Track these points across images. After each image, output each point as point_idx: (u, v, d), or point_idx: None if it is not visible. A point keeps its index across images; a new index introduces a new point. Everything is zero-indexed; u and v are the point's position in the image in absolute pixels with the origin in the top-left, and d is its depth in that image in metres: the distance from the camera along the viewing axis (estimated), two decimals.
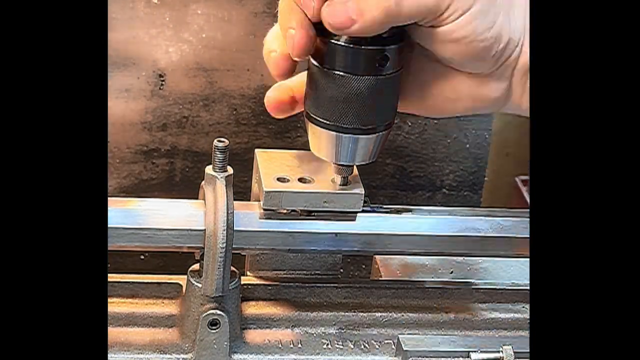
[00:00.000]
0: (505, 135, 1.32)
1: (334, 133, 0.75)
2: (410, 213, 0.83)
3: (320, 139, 0.76)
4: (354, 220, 0.81)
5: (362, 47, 0.72)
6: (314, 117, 0.76)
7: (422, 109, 0.79)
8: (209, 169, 0.78)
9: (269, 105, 0.79)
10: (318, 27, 0.72)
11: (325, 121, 0.75)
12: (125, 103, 0.90)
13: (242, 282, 0.82)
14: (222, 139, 0.78)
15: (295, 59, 0.74)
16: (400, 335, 0.83)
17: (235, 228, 0.77)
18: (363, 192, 0.80)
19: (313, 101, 0.75)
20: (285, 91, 0.78)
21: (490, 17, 0.71)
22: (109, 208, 0.73)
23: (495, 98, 0.76)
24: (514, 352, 0.80)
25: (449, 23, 0.71)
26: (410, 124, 1.07)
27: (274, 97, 0.78)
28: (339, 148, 0.76)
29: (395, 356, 0.83)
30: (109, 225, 0.74)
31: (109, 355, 0.79)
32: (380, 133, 0.76)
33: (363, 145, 0.76)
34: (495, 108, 0.79)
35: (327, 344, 0.83)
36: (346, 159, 0.77)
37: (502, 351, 0.80)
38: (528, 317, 0.84)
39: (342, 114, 0.74)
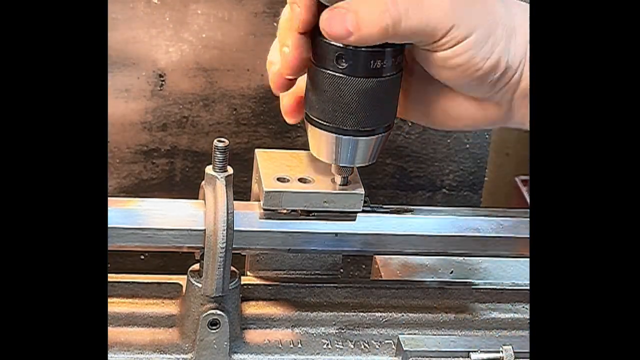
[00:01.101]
0: (505, 135, 1.32)
1: (334, 135, 0.75)
2: (410, 213, 0.83)
3: (320, 140, 0.76)
4: (354, 220, 0.81)
5: (362, 49, 0.72)
6: (314, 118, 0.76)
7: (426, 122, 0.80)
8: (209, 169, 0.78)
9: (285, 112, 0.79)
10: (318, 27, 0.72)
11: (325, 123, 0.75)
12: (125, 103, 0.90)
13: (242, 282, 0.82)
14: (222, 139, 0.78)
15: (288, 77, 0.75)
16: (400, 335, 0.83)
17: (235, 228, 0.77)
18: (363, 192, 0.80)
19: (313, 103, 0.75)
20: (297, 95, 0.79)
21: (489, 47, 0.72)
22: (109, 208, 0.73)
23: (495, 119, 0.77)
24: (514, 352, 0.80)
25: (445, 50, 0.71)
26: (410, 124, 1.07)
27: (287, 103, 0.79)
28: (339, 150, 0.76)
29: (395, 356, 0.83)
30: (109, 225, 0.74)
31: (108, 355, 0.79)
32: (380, 135, 0.76)
33: (363, 147, 0.76)
34: (497, 126, 0.79)
35: (327, 344, 0.83)
36: (346, 160, 0.77)
37: (502, 351, 0.80)
38: (528, 317, 0.84)
39: (342, 116, 0.74)
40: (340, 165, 0.78)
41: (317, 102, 0.75)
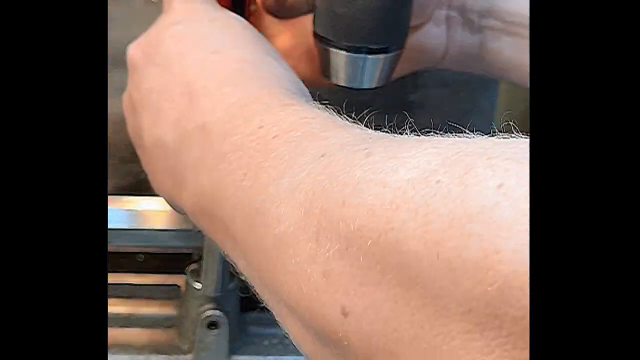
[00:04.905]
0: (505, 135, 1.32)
1: (343, 52, 0.71)
2: None
3: (331, 60, 0.72)
4: None
5: None
6: (324, 37, 0.71)
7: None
8: None
9: None
10: None
11: (335, 41, 0.70)
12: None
13: (242, 283, 0.82)
14: None
15: None
16: None
17: None
18: None
19: (321, 20, 0.71)
20: None
21: None
22: (108, 208, 0.73)
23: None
24: None
25: None
26: (410, 124, 1.06)
27: None
28: (348, 69, 0.72)
29: None
30: (109, 226, 0.74)
31: (108, 355, 0.79)
32: (391, 54, 0.72)
33: (372, 65, 0.72)
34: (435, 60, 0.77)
35: None
36: (359, 81, 0.72)
37: None
38: None
39: (354, 32, 0.70)
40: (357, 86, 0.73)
41: (327, 19, 0.70)
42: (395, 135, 0.53)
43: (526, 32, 0.77)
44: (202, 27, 0.64)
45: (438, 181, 0.44)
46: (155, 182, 0.64)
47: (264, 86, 0.59)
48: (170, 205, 0.64)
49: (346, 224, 0.44)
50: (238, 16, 0.67)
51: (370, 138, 0.52)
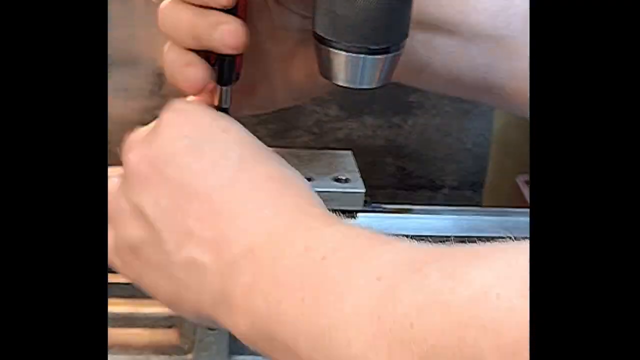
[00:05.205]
0: (506, 135, 1.32)
1: (343, 53, 0.70)
2: (411, 213, 0.83)
3: (331, 60, 0.71)
4: (354, 219, 0.81)
5: None
6: (324, 37, 0.70)
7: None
8: None
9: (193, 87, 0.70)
10: None
11: (335, 41, 0.70)
12: (124, 102, 0.89)
13: None
14: None
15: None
16: None
17: None
18: (364, 191, 0.80)
19: (321, 20, 0.70)
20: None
21: None
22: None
23: None
24: None
25: None
26: (410, 123, 1.06)
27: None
28: (349, 69, 0.71)
29: None
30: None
31: (108, 355, 0.79)
32: (391, 54, 0.71)
33: (372, 66, 0.71)
34: None
35: None
36: (359, 81, 0.71)
37: None
38: None
39: (354, 32, 0.69)
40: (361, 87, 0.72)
41: (326, 20, 0.69)
42: (438, 246, 0.56)
43: (461, 41, 0.77)
44: (218, 142, 0.64)
45: (498, 295, 0.48)
46: (179, 298, 0.64)
47: (299, 205, 0.61)
48: (192, 318, 0.66)
49: (418, 344, 0.48)
50: (236, 122, 0.66)
51: (418, 254, 0.55)
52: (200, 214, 0.61)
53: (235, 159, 0.63)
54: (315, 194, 0.65)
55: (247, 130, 0.66)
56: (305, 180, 0.66)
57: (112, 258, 0.68)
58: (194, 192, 0.62)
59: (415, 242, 0.57)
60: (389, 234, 0.83)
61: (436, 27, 0.76)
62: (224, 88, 0.72)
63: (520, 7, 0.75)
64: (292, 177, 0.64)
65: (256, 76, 0.75)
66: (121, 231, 0.65)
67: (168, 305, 0.66)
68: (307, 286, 0.55)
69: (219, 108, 0.72)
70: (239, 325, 0.60)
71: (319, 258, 0.56)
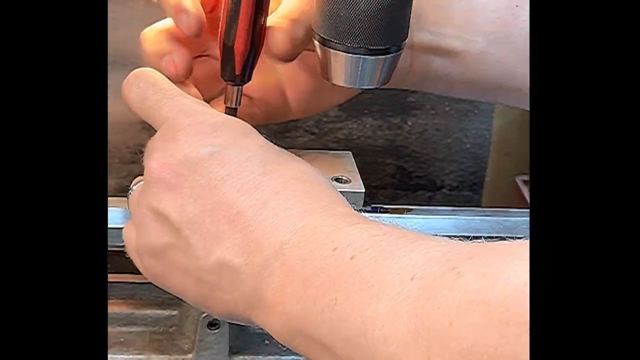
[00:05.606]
0: (506, 135, 1.32)
1: (343, 54, 0.71)
2: (411, 213, 0.83)
3: (333, 61, 0.72)
4: None
5: None
6: (325, 38, 0.71)
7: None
8: None
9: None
10: None
11: (336, 42, 0.70)
12: (124, 103, 0.89)
13: None
14: None
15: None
16: None
17: None
18: (363, 191, 0.80)
19: (322, 22, 0.71)
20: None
21: None
22: (109, 208, 0.73)
23: None
24: None
25: None
26: (410, 124, 1.07)
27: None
28: (349, 70, 0.72)
29: None
30: (109, 225, 0.74)
31: (108, 355, 0.79)
32: (391, 55, 0.72)
33: (372, 66, 0.72)
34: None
35: None
36: (360, 81, 0.72)
37: None
38: None
39: (355, 33, 0.70)
40: (363, 87, 0.73)
41: (328, 20, 0.70)
42: (466, 242, 0.57)
43: (456, 43, 0.78)
44: (240, 147, 0.65)
45: None
46: (210, 300, 0.65)
47: (325, 204, 0.62)
48: (224, 318, 0.69)
49: (458, 342, 0.49)
50: (253, 127, 0.68)
51: (449, 252, 0.55)
52: (229, 217, 0.62)
53: (258, 163, 0.64)
54: (339, 193, 0.66)
55: (263, 137, 0.68)
56: (329, 179, 0.67)
57: (134, 258, 0.69)
58: (221, 197, 0.63)
59: (443, 238, 0.58)
60: None
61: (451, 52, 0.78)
62: (235, 88, 0.73)
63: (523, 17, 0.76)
64: (315, 177, 0.65)
65: (268, 88, 0.77)
66: (144, 237, 0.66)
67: (197, 305, 0.66)
68: (338, 286, 0.56)
69: (228, 107, 0.73)
70: (274, 324, 0.61)
71: (347, 257, 0.57)
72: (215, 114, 0.68)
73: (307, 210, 0.61)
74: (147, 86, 0.69)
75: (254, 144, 0.66)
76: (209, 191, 0.63)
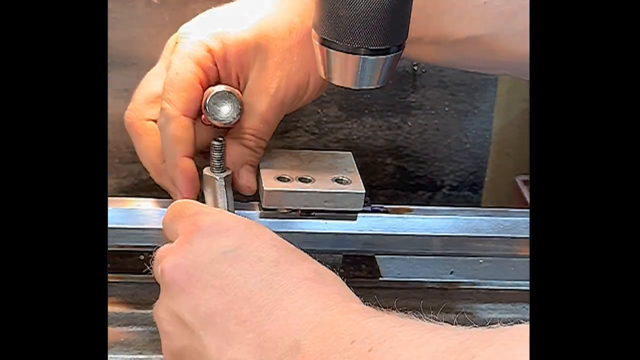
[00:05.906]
0: (505, 135, 1.32)
1: (343, 54, 0.70)
2: (411, 213, 0.83)
3: (333, 61, 0.72)
4: (354, 220, 0.81)
5: None
6: (325, 38, 0.71)
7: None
8: (206, 171, 0.78)
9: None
10: None
11: (336, 42, 0.70)
12: (124, 103, 0.89)
13: None
14: (219, 137, 0.77)
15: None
16: None
17: None
18: (364, 192, 0.80)
19: (322, 22, 0.70)
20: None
21: None
22: (109, 208, 0.73)
23: None
24: None
25: None
26: (410, 124, 1.06)
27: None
28: (349, 69, 0.71)
29: None
30: (109, 226, 0.74)
31: (108, 355, 0.79)
32: (391, 55, 0.72)
33: (372, 66, 0.71)
34: None
35: None
36: (360, 82, 0.72)
37: None
38: (528, 317, 0.84)
39: (355, 33, 0.70)
40: (362, 87, 0.73)
41: (329, 21, 0.70)
42: (483, 330, 0.57)
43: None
44: (253, 248, 0.66)
45: None
46: None
47: (338, 303, 0.62)
48: None
49: None
50: (266, 227, 0.70)
51: (467, 340, 0.55)
52: (240, 317, 0.63)
53: (270, 263, 0.65)
54: (352, 292, 0.66)
55: (276, 235, 0.69)
56: (338, 276, 0.67)
57: None
58: (232, 296, 0.63)
59: (461, 328, 0.58)
60: (389, 234, 0.84)
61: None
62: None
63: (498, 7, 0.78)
64: (326, 274, 0.66)
65: (307, 72, 0.80)
66: (166, 341, 0.67)
67: None
68: None
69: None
70: None
71: (366, 350, 0.57)
72: (227, 216, 0.70)
73: (321, 307, 0.62)
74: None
75: (266, 244, 0.66)
76: (221, 291, 0.64)
